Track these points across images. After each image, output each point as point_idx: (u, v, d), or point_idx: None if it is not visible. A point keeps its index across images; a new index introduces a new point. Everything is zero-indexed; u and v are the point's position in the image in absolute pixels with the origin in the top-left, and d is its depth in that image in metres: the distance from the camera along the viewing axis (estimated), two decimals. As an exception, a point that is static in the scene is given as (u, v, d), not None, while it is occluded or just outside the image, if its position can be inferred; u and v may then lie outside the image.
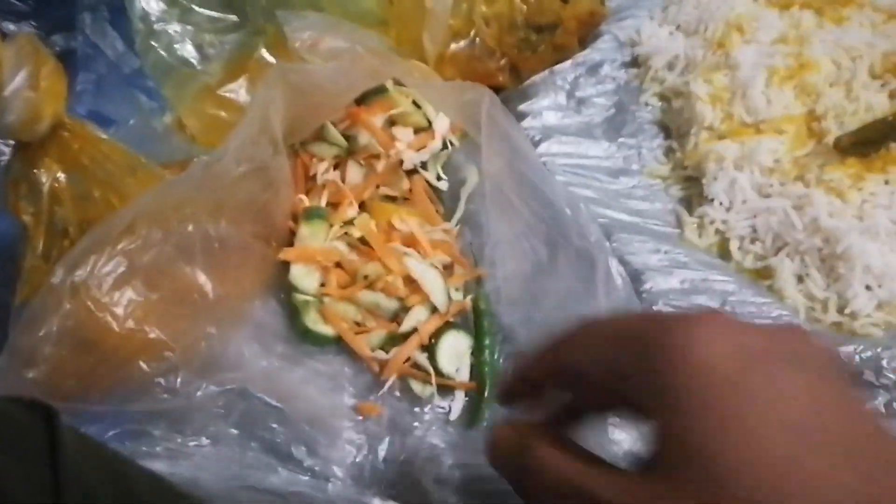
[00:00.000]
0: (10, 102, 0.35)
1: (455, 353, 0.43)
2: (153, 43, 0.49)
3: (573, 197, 0.48)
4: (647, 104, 0.56)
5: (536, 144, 0.52)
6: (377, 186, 0.48)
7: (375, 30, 0.54)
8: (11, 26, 0.53)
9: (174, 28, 0.50)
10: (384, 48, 0.48)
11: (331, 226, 0.45)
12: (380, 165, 0.49)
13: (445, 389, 0.43)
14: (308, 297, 0.43)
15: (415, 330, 0.43)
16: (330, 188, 0.47)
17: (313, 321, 0.43)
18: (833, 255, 0.44)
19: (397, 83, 0.49)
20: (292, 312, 0.43)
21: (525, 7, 0.55)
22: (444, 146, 0.51)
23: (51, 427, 0.25)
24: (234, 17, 0.51)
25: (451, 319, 0.44)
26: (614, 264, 0.43)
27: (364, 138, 0.49)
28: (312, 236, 0.44)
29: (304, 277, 0.43)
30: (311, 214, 0.45)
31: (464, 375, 0.43)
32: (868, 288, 0.44)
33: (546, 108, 0.54)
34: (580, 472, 0.25)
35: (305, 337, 0.43)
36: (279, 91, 0.39)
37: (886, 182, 0.45)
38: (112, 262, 0.35)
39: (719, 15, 0.55)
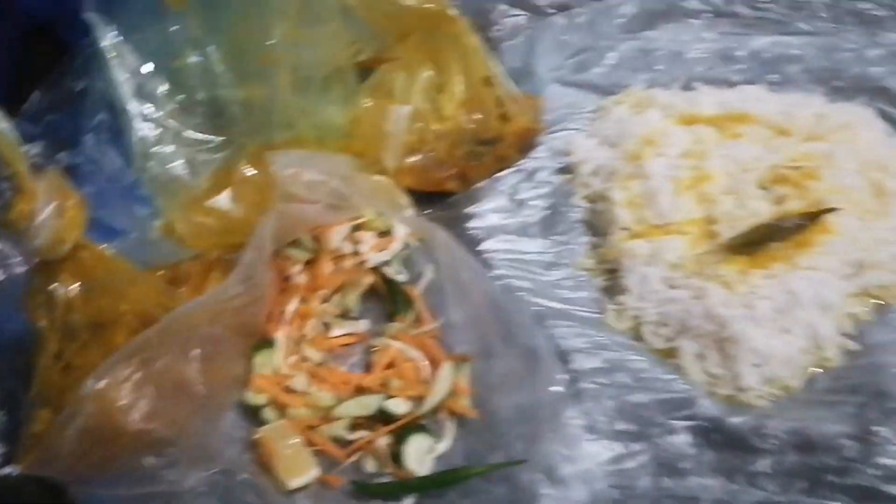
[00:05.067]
0: (40, 230, 0.43)
1: (421, 452, 0.49)
2: (148, 162, 0.58)
3: (512, 291, 0.57)
4: (576, 206, 0.64)
5: (480, 242, 0.61)
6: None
7: (342, 142, 0.63)
8: (24, 147, 0.60)
9: (167, 149, 0.58)
10: (352, 170, 0.57)
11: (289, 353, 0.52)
12: (347, 264, 0.58)
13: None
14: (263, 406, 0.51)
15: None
16: (300, 288, 0.55)
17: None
18: (725, 338, 0.53)
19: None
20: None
21: (471, 125, 0.64)
22: (405, 247, 0.59)
23: (60, 501, 0.32)
24: (219, 138, 0.60)
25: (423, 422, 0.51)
26: (548, 351, 0.51)
27: (332, 242, 0.57)
28: (263, 365, 0.52)
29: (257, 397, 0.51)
30: (261, 346, 0.52)
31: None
32: (755, 365, 0.52)
33: (489, 210, 0.63)
34: None
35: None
36: (273, 224, 0.48)
37: (768, 276, 0.54)
38: (130, 371, 0.43)
39: (635, 130, 0.65)
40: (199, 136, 0.59)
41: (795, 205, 0.57)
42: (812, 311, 0.53)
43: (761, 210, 0.57)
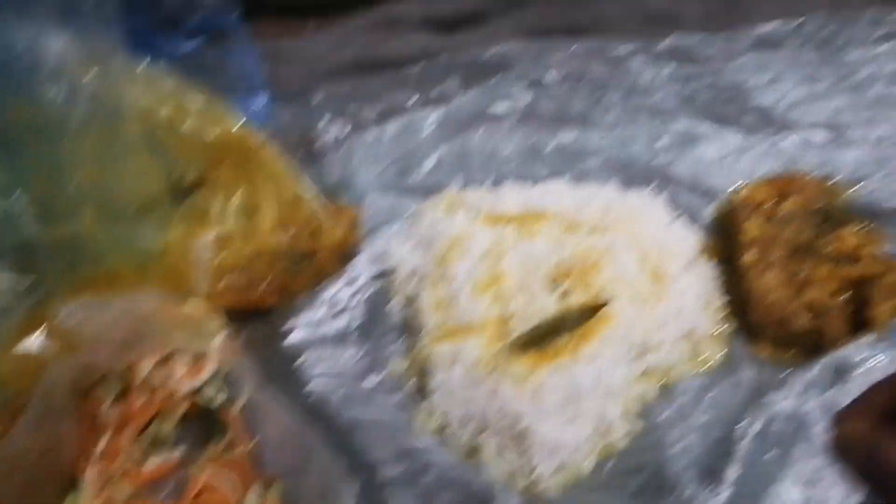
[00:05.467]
0: None
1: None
2: (-43, 311, 0.59)
3: (324, 404, 0.60)
4: (394, 310, 0.68)
5: (298, 355, 0.64)
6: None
7: (160, 269, 0.65)
8: None
9: (-24, 296, 0.59)
10: (157, 303, 0.59)
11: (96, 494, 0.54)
12: (158, 394, 0.59)
13: None
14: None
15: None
16: (110, 424, 0.57)
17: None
18: (519, 432, 0.56)
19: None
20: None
21: (287, 242, 0.68)
22: (219, 368, 0.61)
23: None
24: (26, 281, 0.61)
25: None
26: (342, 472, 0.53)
27: (140, 375, 0.59)
28: None
29: None
30: (69, 489, 0.53)
31: None
32: (547, 455, 0.56)
33: (307, 323, 0.66)
34: None
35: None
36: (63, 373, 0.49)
37: (555, 369, 0.58)
38: None
39: (445, 232, 0.69)
40: (8, 280, 0.61)
41: (579, 298, 0.62)
42: (597, 397, 0.58)
43: (548, 306, 0.62)
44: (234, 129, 0.65)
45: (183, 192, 0.69)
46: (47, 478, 0.52)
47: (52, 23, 0.58)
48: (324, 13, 0.99)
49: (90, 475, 0.54)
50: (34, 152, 0.59)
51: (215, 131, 0.65)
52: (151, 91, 0.64)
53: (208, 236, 0.63)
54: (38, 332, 0.60)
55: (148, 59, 0.65)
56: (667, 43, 0.86)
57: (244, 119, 0.68)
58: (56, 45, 0.58)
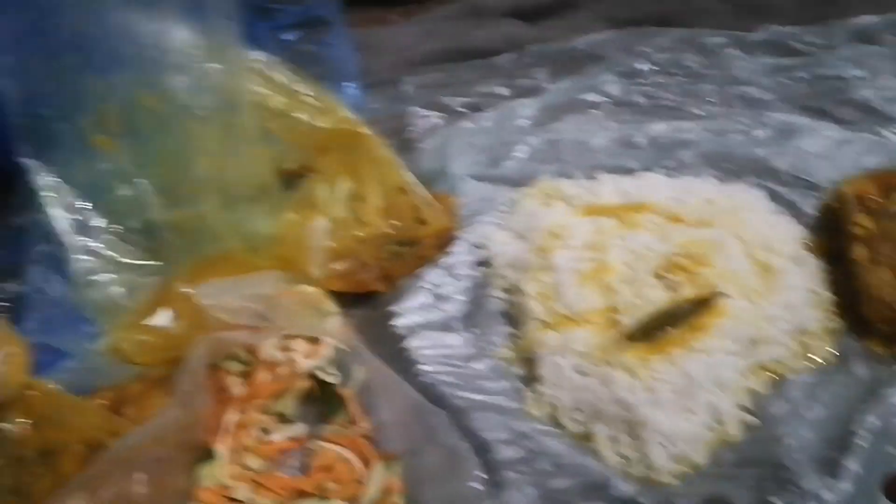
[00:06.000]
0: (-17, 379, 0.46)
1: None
2: (88, 290, 0.61)
3: (436, 387, 0.61)
4: (494, 298, 0.69)
5: (405, 339, 0.65)
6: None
7: (271, 251, 0.67)
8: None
9: (105, 277, 0.62)
10: (277, 287, 0.61)
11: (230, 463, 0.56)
12: (281, 371, 0.62)
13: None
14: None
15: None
16: (238, 399, 0.59)
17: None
18: (633, 422, 0.57)
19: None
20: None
21: (391, 229, 0.69)
22: (336, 350, 0.63)
23: None
24: (154, 262, 0.64)
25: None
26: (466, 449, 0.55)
27: (265, 352, 0.61)
28: (207, 478, 0.54)
29: None
30: (203, 459, 0.55)
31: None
32: (663, 446, 0.57)
33: (413, 307, 0.68)
34: None
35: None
36: (203, 352, 0.52)
37: (667, 361, 0.59)
38: (79, 500, 0.46)
39: (542, 223, 0.70)
40: (136, 261, 0.63)
41: (688, 291, 0.62)
42: (710, 389, 0.58)
43: (657, 298, 0.62)
44: (345, 118, 0.67)
45: (292, 179, 0.70)
46: (185, 448, 0.54)
47: (177, 17, 0.60)
48: (407, 3, 1.00)
49: (223, 447, 0.56)
50: (160, 140, 0.61)
51: (326, 120, 0.66)
52: (265, 80, 0.66)
53: (323, 222, 0.64)
54: (162, 309, 0.62)
55: (256, 49, 0.67)
56: (761, 34, 0.85)
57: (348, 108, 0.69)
58: (181, 38, 0.60)
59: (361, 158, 0.69)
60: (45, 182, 0.60)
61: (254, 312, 0.53)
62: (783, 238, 0.67)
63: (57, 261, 0.63)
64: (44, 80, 0.59)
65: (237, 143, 0.63)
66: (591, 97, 0.84)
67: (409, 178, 0.70)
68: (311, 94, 0.67)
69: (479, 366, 0.65)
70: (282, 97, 0.66)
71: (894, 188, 0.67)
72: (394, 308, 0.68)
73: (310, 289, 0.65)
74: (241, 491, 0.55)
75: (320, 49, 0.79)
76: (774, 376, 0.61)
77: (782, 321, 0.62)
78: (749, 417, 0.59)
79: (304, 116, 0.66)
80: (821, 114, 0.78)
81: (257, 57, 0.66)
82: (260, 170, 0.66)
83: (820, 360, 0.62)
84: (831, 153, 0.75)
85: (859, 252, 0.64)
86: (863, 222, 0.65)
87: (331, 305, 0.65)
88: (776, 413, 0.59)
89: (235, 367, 0.61)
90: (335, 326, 0.62)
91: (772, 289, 0.64)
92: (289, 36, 0.79)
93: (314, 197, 0.69)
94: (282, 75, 0.66)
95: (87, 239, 0.61)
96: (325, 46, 0.80)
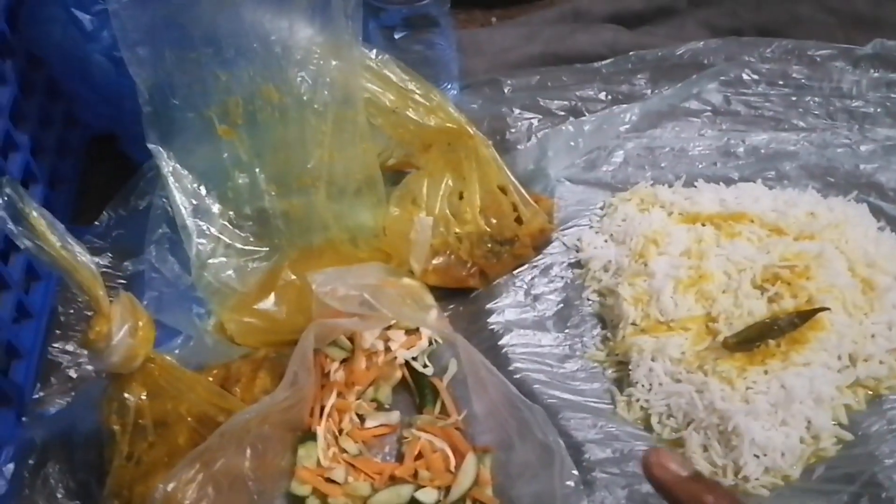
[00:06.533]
0: (116, 349, 0.50)
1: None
2: (204, 272, 0.64)
3: (529, 385, 0.63)
4: (588, 299, 0.70)
5: (500, 336, 0.67)
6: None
7: (373, 242, 0.70)
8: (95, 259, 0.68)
9: (219, 260, 0.65)
10: (382, 277, 0.63)
11: (328, 445, 0.58)
12: (379, 360, 0.64)
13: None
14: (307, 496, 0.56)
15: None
16: (338, 384, 0.61)
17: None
18: (727, 430, 0.58)
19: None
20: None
21: (489, 228, 0.71)
22: (430, 343, 0.65)
23: None
24: (265, 248, 0.67)
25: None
26: (561, 446, 0.56)
27: (366, 341, 0.64)
28: (307, 457, 0.58)
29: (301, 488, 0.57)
30: (304, 440, 0.58)
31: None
32: (756, 456, 0.57)
33: (507, 305, 0.69)
34: None
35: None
36: (313, 336, 0.54)
37: (765, 372, 0.59)
38: (194, 473, 0.49)
39: (640, 229, 0.71)
40: (247, 246, 0.66)
41: (789, 303, 0.62)
42: (807, 403, 0.58)
43: (757, 309, 0.62)
44: (452, 116, 0.68)
45: (398, 174, 0.73)
46: (289, 428, 0.57)
47: (303, 14, 0.63)
48: (508, 6, 1.01)
49: (322, 429, 0.59)
50: (277, 132, 0.64)
51: (433, 119, 0.68)
52: (378, 77, 0.68)
53: (427, 219, 0.66)
54: (271, 295, 0.65)
55: (375, 48, 0.69)
56: (869, 47, 0.83)
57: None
58: (305, 34, 0.63)
59: (464, 157, 0.70)
60: (168, 167, 0.63)
61: (361, 301, 0.56)
62: (888, 255, 0.66)
63: (174, 243, 0.67)
64: (174, 71, 0.62)
65: (348, 138, 0.66)
66: (692, 105, 0.84)
67: (510, 178, 0.71)
68: (421, 91, 0.68)
69: (571, 366, 0.66)
70: (392, 94, 0.68)
71: None
72: (489, 305, 0.69)
73: (411, 281, 0.67)
74: (337, 472, 0.58)
75: (427, 48, 0.81)
76: (872, 394, 0.60)
77: (882, 339, 0.61)
78: (845, 433, 0.58)
79: (412, 114, 0.68)
80: (931, 130, 0.76)
81: (372, 54, 0.69)
82: (367, 164, 0.68)
83: (921, 381, 0.60)
84: (941, 171, 0.73)
85: (969, 274, 0.62)
86: (973, 243, 0.63)
87: (430, 298, 0.67)
88: (872, 431, 0.58)
89: (337, 353, 0.64)
90: (434, 319, 0.64)
91: (874, 306, 0.63)
92: (397, 34, 0.80)
93: (417, 193, 0.71)
94: (393, 73, 0.68)
95: (203, 223, 0.65)
96: (432, 46, 0.82)
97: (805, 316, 0.60)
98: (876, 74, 0.82)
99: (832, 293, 0.62)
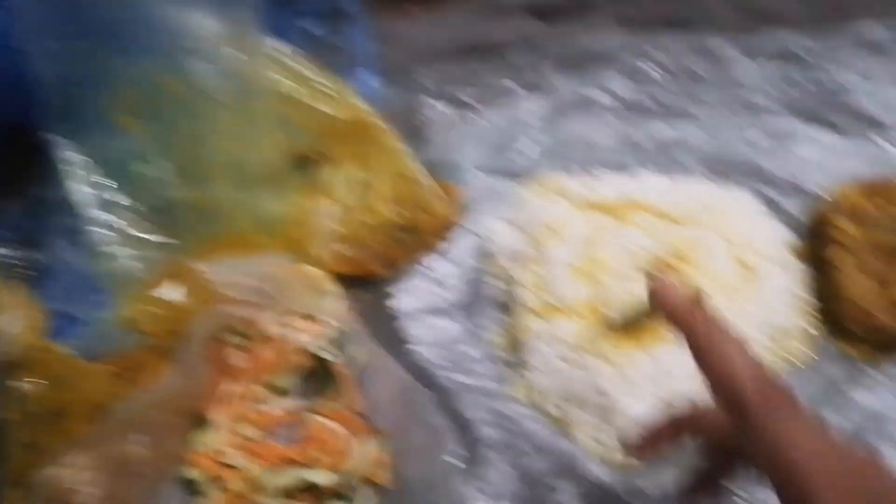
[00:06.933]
0: (2, 337, 0.51)
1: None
2: (106, 262, 0.65)
3: (427, 368, 0.65)
4: (491, 286, 0.73)
5: (402, 321, 0.69)
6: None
7: (280, 232, 0.71)
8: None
9: (124, 250, 0.66)
10: (282, 266, 0.65)
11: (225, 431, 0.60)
12: (280, 347, 0.65)
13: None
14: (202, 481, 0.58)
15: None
16: (237, 371, 0.63)
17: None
18: (609, 408, 0.61)
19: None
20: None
21: (395, 217, 0.73)
22: (333, 330, 0.67)
23: None
24: (171, 239, 0.68)
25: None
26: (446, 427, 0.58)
27: (266, 328, 0.65)
28: (202, 443, 0.59)
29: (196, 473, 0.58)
30: (200, 426, 0.60)
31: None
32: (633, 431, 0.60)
33: (411, 292, 0.71)
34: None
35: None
36: (206, 324, 0.56)
37: (645, 352, 0.62)
38: (84, 459, 0.50)
39: (541, 217, 0.73)
40: (153, 237, 0.67)
41: (672, 287, 0.65)
42: (683, 380, 0.61)
43: (642, 293, 0.65)
44: (359, 108, 0.70)
45: (303, 164, 0.74)
46: (183, 415, 0.59)
47: (203, 6, 0.64)
48: (429, -5, 1.03)
49: (218, 415, 0.60)
50: (181, 123, 0.65)
51: (338, 109, 0.70)
52: (284, 69, 0.69)
53: (329, 207, 0.68)
54: (172, 283, 0.66)
55: (275, 37, 0.70)
56: (767, 40, 0.87)
57: (362, 98, 0.73)
58: (205, 25, 0.64)
59: (372, 147, 0.72)
60: (69, 157, 0.64)
61: (257, 289, 0.57)
62: (768, 241, 0.70)
63: (76, 233, 0.67)
64: (78, 62, 0.62)
65: (253, 129, 0.67)
66: (599, 96, 0.86)
67: (417, 167, 0.73)
68: (327, 83, 0.70)
69: (471, 350, 0.68)
70: (298, 85, 0.69)
71: (882, 197, 0.69)
72: (393, 293, 0.71)
73: (313, 270, 0.68)
74: (234, 457, 0.59)
75: (340, 39, 0.83)
76: (750, 371, 0.63)
77: (760, 321, 0.65)
78: (721, 410, 0.61)
79: (319, 105, 0.69)
80: (819, 120, 0.80)
81: (277, 46, 0.70)
82: (274, 155, 0.69)
83: (795, 361, 0.64)
84: (826, 160, 0.77)
85: (841, 258, 0.66)
86: (848, 229, 0.67)
87: (332, 286, 0.69)
88: (747, 407, 0.61)
89: (237, 340, 0.65)
90: (334, 307, 0.66)
91: (752, 289, 0.66)
92: (311, 25, 0.82)
93: (324, 183, 0.72)
94: (300, 65, 0.70)
95: (108, 214, 0.65)
96: (346, 36, 0.83)
97: (684, 299, 0.63)
98: (769, 65, 0.85)
99: (711, 277, 0.65)
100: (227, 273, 0.59)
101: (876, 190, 0.71)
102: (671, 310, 0.43)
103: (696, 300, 0.42)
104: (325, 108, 0.69)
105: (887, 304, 0.63)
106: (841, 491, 0.36)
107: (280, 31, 0.80)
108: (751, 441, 0.39)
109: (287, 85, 0.69)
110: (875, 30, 0.86)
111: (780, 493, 0.38)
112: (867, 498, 0.37)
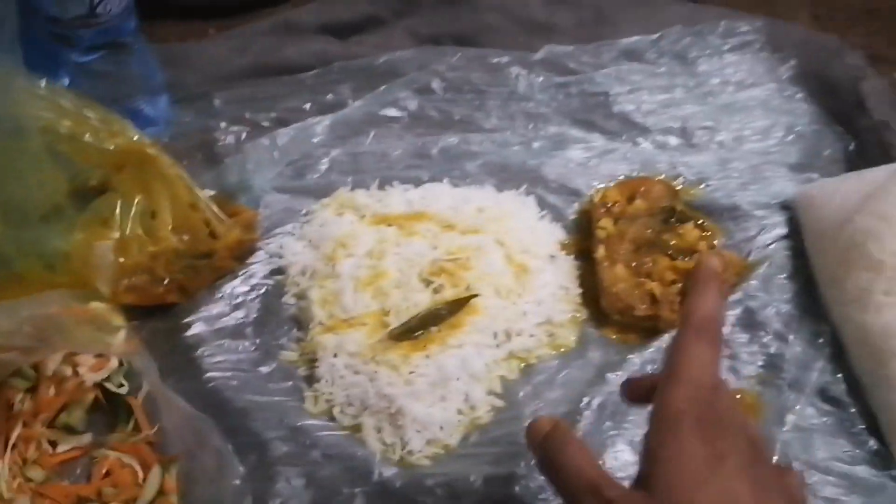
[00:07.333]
0: None
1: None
2: None
3: (221, 392, 0.66)
4: (286, 304, 0.75)
5: (196, 348, 0.70)
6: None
7: (70, 267, 0.70)
8: None
9: None
10: (61, 304, 0.64)
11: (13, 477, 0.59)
12: (67, 385, 0.65)
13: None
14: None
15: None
16: (23, 414, 0.62)
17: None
18: (394, 412, 0.64)
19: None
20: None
21: (182, 245, 0.73)
22: (122, 363, 0.67)
23: None
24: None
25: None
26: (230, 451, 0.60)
27: (50, 368, 0.65)
28: None
29: None
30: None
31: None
32: (418, 432, 0.64)
33: (206, 317, 0.72)
34: (596, 472, 0.41)
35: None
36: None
37: (427, 357, 0.66)
38: None
39: (332, 233, 0.76)
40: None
41: (449, 293, 0.70)
42: (463, 379, 0.66)
43: (422, 301, 0.69)
44: (132, 139, 0.70)
45: (86, 197, 0.73)
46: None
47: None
48: (226, 17, 1.04)
49: (6, 461, 0.59)
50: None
51: (114, 141, 0.70)
52: (51, 106, 0.68)
53: (109, 240, 0.68)
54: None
55: (47, 75, 0.70)
56: (541, 53, 0.93)
57: (141, 128, 0.73)
58: (-43, 64, 0.62)
59: (152, 176, 0.72)
60: None
61: (28, 334, 0.57)
62: (542, 241, 0.76)
63: None
64: None
65: (21, 166, 0.66)
66: (390, 111, 0.90)
67: (200, 194, 0.74)
68: (97, 116, 0.70)
69: (266, 369, 0.70)
70: (68, 121, 0.68)
71: (635, 194, 0.77)
72: (187, 319, 0.72)
73: (98, 305, 0.68)
74: (21, 502, 0.58)
75: (120, 68, 0.82)
76: (524, 364, 0.69)
77: (532, 315, 0.70)
78: (498, 402, 0.66)
79: (90, 139, 0.69)
80: (589, 126, 0.87)
81: (49, 84, 0.69)
82: (50, 191, 0.68)
83: (564, 348, 0.70)
84: (593, 162, 0.84)
85: (600, 251, 0.73)
86: (605, 224, 0.74)
87: (118, 320, 0.68)
88: (521, 397, 0.67)
89: (21, 383, 0.64)
90: (119, 341, 0.66)
91: (526, 287, 0.72)
92: (88, 60, 0.81)
93: (108, 214, 0.72)
94: (67, 101, 0.69)
95: None
96: (125, 65, 0.82)
97: (460, 303, 0.68)
98: (545, 77, 0.92)
99: (487, 280, 0.70)
100: (4, 317, 0.58)
101: (632, 187, 0.78)
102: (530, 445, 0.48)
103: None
104: (98, 142, 0.69)
105: (641, 293, 0.70)
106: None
107: (56, 69, 0.80)
108: None
109: (58, 122, 0.68)
110: (633, 40, 0.94)
111: None
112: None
